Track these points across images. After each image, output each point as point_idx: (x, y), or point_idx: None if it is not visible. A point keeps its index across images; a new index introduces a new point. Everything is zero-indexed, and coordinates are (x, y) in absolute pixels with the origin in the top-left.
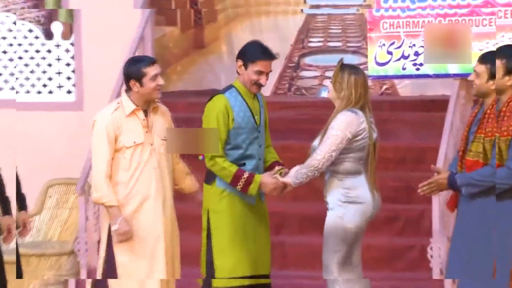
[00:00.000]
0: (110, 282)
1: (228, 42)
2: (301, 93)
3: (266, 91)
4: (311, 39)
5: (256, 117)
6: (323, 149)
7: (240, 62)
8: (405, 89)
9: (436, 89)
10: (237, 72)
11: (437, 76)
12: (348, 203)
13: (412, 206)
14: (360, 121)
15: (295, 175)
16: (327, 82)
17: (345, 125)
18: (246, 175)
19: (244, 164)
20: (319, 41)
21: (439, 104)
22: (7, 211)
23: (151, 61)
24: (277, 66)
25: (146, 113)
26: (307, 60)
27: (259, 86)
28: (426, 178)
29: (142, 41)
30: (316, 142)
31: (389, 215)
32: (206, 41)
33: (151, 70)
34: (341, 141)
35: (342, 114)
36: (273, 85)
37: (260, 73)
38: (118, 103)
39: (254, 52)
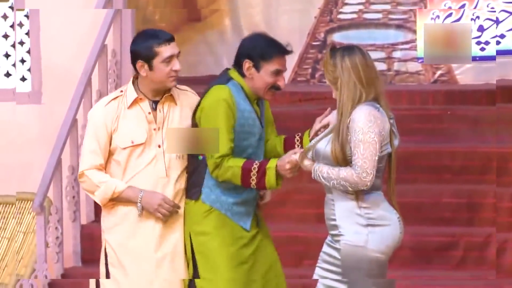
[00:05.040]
0: None
1: (233, 14)
2: None
3: None
4: (341, 10)
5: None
6: (367, 164)
7: (249, 63)
8: (465, 75)
9: (507, 74)
10: (242, 75)
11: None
12: (372, 227)
13: (475, 230)
14: (384, 119)
15: (326, 174)
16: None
17: (373, 123)
18: (256, 164)
19: None
20: (352, 12)
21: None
22: None
23: (166, 38)
24: (296, 46)
25: (156, 104)
26: (337, 37)
27: (277, 89)
28: (493, 193)
29: (118, 13)
30: (322, 145)
31: (444, 241)
32: (203, 12)
33: (166, 50)
34: (378, 146)
35: (359, 110)
36: (291, 71)
37: (278, 73)
38: (122, 91)
39: (267, 47)
